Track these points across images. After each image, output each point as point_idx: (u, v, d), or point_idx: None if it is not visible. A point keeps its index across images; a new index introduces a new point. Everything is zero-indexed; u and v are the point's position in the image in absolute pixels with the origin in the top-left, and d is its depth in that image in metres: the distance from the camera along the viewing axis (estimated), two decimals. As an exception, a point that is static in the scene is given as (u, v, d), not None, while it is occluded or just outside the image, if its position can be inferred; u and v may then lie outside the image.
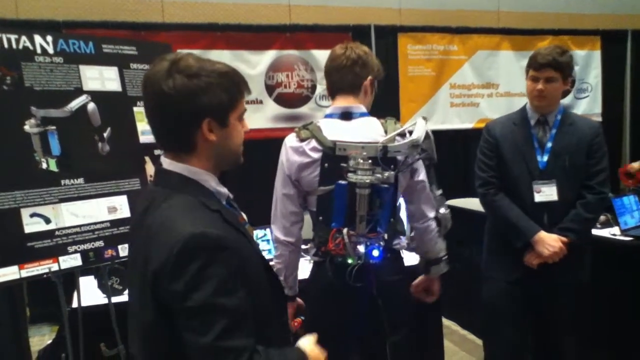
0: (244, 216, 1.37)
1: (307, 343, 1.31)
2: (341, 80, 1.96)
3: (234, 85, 1.23)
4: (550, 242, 2.30)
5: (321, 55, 4.85)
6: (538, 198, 2.36)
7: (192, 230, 1.09)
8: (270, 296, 1.30)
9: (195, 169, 1.23)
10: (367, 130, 1.90)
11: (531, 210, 2.36)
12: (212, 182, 1.25)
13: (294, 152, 1.92)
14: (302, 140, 1.91)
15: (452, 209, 3.99)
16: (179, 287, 1.08)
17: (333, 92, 2.00)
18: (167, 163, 1.24)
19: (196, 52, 4.77)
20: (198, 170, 1.23)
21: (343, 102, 1.96)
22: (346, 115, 1.95)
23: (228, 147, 1.25)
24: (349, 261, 1.75)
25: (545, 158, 2.38)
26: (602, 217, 3.21)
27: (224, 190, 1.29)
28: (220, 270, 1.09)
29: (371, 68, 1.97)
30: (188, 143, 1.21)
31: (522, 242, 2.35)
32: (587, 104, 5.74)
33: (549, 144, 2.38)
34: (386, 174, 1.68)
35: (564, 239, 2.31)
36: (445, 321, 3.87)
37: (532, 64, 2.36)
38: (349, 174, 1.68)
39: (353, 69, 1.94)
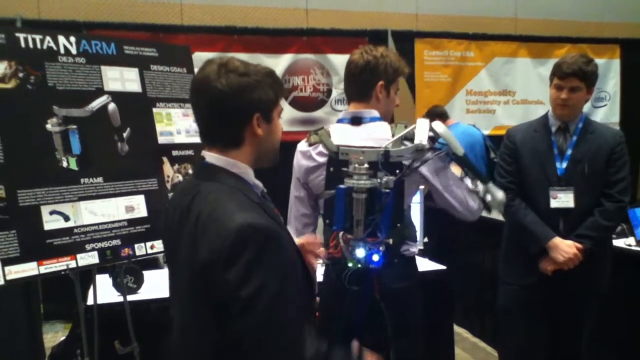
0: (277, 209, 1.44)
1: None
2: (350, 88, 1.98)
3: (277, 84, 1.32)
4: (565, 248, 2.29)
5: (337, 60, 4.87)
6: (554, 204, 2.35)
7: (242, 221, 1.15)
8: (305, 289, 1.36)
9: (235, 162, 1.29)
10: (374, 135, 1.90)
11: (547, 216, 2.35)
12: (251, 176, 1.32)
13: (302, 156, 1.97)
14: (310, 144, 1.95)
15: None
16: (233, 279, 1.13)
17: (348, 97, 2.03)
18: (211, 157, 1.30)
19: (213, 54, 4.82)
20: (239, 163, 1.29)
21: (356, 107, 1.98)
22: (356, 120, 1.95)
23: (270, 142, 1.34)
24: (349, 265, 1.76)
25: (564, 165, 2.37)
26: (618, 227, 3.18)
27: (259, 183, 1.36)
28: (272, 260, 1.15)
29: (382, 72, 1.93)
30: (237, 138, 1.28)
31: (536, 247, 2.34)
32: (605, 113, 5.70)
33: (569, 151, 2.38)
34: (385, 179, 1.68)
35: (579, 245, 2.29)
36: (457, 328, 3.85)
37: (557, 72, 2.35)
38: (346, 179, 1.69)
39: (361, 77, 1.93)
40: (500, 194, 1.86)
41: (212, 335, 1.22)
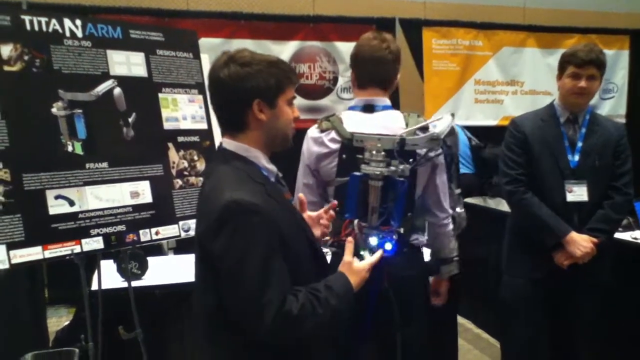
0: (290, 194, 1.58)
1: (345, 263, 1.46)
2: (378, 73, 1.95)
3: (281, 73, 1.40)
4: (582, 242, 2.27)
5: (344, 47, 4.83)
6: (570, 198, 2.33)
7: (228, 197, 1.26)
8: (313, 271, 1.42)
9: (246, 147, 1.40)
10: (387, 123, 1.90)
11: (562, 210, 2.33)
12: (262, 160, 1.42)
13: (313, 142, 1.95)
14: (322, 131, 1.94)
15: (472, 207, 3.99)
16: (217, 249, 1.27)
17: (364, 82, 1.98)
18: (225, 142, 1.43)
19: (219, 40, 4.78)
20: (249, 147, 1.40)
21: (369, 94, 1.96)
22: (369, 107, 1.96)
23: (276, 127, 1.41)
24: (361, 253, 1.75)
25: (577, 157, 2.35)
26: (624, 221, 3.17)
27: (273, 167, 1.45)
28: (251, 233, 1.25)
29: (399, 64, 1.98)
30: (242, 122, 1.39)
31: (553, 241, 2.32)
32: (612, 105, 5.65)
33: (579, 143, 2.36)
34: (401, 167, 1.67)
35: (594, 239, 2.28)
36: (460, 319, 3.85)
37: (573, 60, 2.33)
38: (363, 165, 1.68)
39: (393, 64, 1.95)
40: (463, 213, 2.07)
41: (211, 300, 1.34)
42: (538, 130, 2.41)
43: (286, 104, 1.42)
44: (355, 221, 1.69)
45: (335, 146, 1.90)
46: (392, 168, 1.65)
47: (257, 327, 1.25)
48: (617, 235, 2.99)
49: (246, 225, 1.25)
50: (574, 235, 2.29)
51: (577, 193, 2.33)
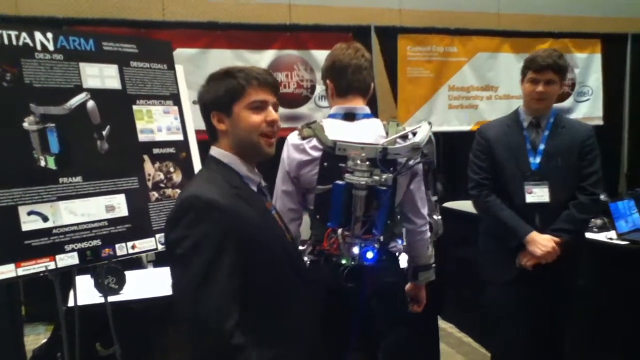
0: (272, 203, 1.63)
1: None
2: (358, 80, 1.96)
3: (234, 80, 1.43)
4: (542, 242, 2.31)
5: (321, 56, 4.83)
6: (529, 199, 2.38)
7: (190, 192, 1.35)
8: (290, 283, 1.45)
9: (225, 153, 1.47)
10: (368, 132, 1.90)
11: (523, 211, 2.38)
12: (242, 167, 1.47)
13: (294, 149, 1.93)
14: (303, 138, 1.92)
15: (451, 211, 4.02)
16: (172, 238, 1.32)
17: (345, 91, 1.98)
18: (211, 150, 1.51)
19: (196, 50, 4.74)
20: (228, 154, 1.47)
21: (350, 102, 1.97)
22: (350, 115, 1.96)
23: (238, 134, 1.45)
24: (343, 261, 1.75)
25: (538, 159, 2.40)
26: (599, 221, 3.23)
27: (255, 176, 1.50)
28: (207, 227, 1.29)
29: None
30: (213, 134, 1.49)
31: (515, 242, 2.35)
32: (588, 108, 5.73)
33: (542, 146, 2.41)
34: (384, 176, 1.67)
35: (556, 239, 2.31)
36: (443, 323, 3.87)
37: (532, 66, 2.38)
38: (347, 175, 1.67)
39: (369, 71, 1.98)
40: (440, 219, 2.09)
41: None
42: (503, 135, 2.46)
43: (246, 110, 1.43)
44: (339, 230, 1.69)
45: (316, 154, 1.89)
46: (376, 177, 1.65)
47: (183, 314, 1.28)
48: (593, 236, 3.05)
49: (204, 218, 1.29)
50: (534, 235, 2.32)
51: (538, 194, 2.37)
